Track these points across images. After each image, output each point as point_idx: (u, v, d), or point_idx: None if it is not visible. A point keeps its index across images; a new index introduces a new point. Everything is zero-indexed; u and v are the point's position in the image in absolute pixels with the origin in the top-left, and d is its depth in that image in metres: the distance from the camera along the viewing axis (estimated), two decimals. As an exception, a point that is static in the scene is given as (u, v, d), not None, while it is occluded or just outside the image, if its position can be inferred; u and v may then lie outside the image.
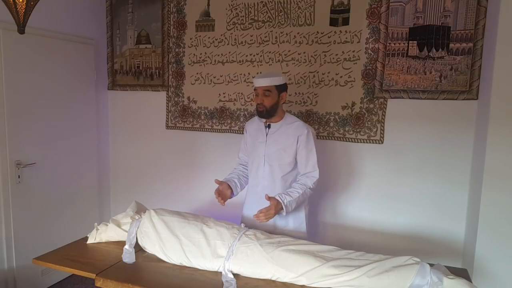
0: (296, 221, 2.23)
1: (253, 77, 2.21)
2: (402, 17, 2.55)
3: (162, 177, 3.49)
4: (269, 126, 2.22)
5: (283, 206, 1.98)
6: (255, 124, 2.32)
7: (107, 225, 2.09)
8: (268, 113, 2.16)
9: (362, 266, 1.60)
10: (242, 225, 2.04)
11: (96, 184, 3.60)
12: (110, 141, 3.75)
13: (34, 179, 2.94)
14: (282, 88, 2.17)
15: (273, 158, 2.20)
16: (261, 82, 2.13)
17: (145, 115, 3.53)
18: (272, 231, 2.06)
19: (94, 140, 3.54)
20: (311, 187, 2.12)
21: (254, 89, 2.18)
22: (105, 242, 2.08)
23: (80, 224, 3.25)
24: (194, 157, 3.35)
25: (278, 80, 2.14)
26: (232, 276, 1.71)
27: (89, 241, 2.08)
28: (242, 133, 3.08)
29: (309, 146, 2.15)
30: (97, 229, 2.10)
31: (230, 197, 2.25)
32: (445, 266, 1.65)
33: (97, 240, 2.08)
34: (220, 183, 2.21)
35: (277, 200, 1.99)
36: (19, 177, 2.82)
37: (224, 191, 2.21)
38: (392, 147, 2.67)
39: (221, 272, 1.75)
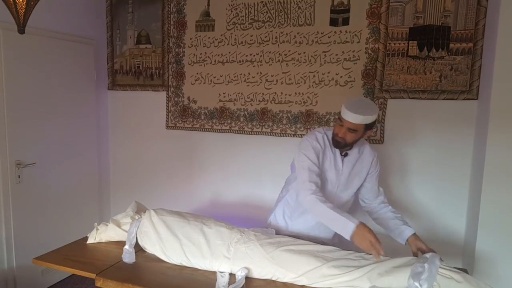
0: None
1: (345, 106, 1.85)
2: (402, 17, 2.55)
3: (162, 177, 3.49)
4: (345, 155, 2.01)
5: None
6: (326, 147, 2.00)
7: (107, 225, 2.09)
8: (346, 146, 1.96)
9: (363, 267, 1.60)
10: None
11: (96, 184, 3.60)
12: (110, 141, 3.75)
13: (34, 179, 2.94)
14: (370, 126, 1.90)
15: (347, 187, 2.05)
16: (352, 118, 1.82)
17: (145, 115, 3.53)
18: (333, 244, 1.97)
19: (94, 140, 3.54)
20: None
21: (339, 118, 1.89)
22: (105, 242, 2.08)
23: (80, 224, 3.25)
24: (194, 157, 3.35)
25: (370, 119, 1.85)
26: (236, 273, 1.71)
27: (89, 241, 2.08)
28: (242, 133, 3.11)
29: (378, 166, 2.10)
30: (97, 229, 2.10)
31: None
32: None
33: (97, 240, 2.08)
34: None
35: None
36: (19, 177, 2.82)
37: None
38: (392, 147, 2.67)
39: (221, 272, 1.75)
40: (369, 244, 1.67)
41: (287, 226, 2.15)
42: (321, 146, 1.98)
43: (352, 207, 2.21)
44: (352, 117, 1.82)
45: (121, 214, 2.13)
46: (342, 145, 1.94)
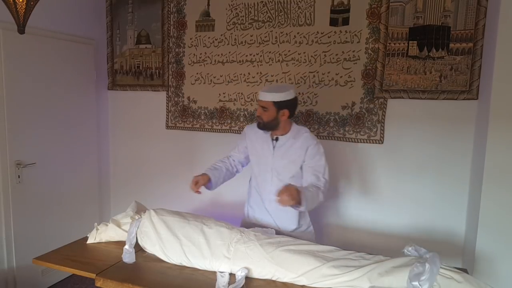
0: (304, 223, 2.22)
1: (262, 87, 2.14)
2: (402, 17, 2.55)
3: (162, 177, 3.49)
4: (276, 139, 2.12)
5: (302, 195, 1.82)
6: (260, 133, 2.17)
7: (107, 225, 2.09)
8: (266, 127, 2.10)
9: (363, 267, 1.60)
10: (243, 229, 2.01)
11: (96, 184, 3.60)
12: (110, 141, 3.75)
13: (34, 179, 2.94)
14: (282, 105, 2.03)
15: (281, 172, 2.11)
16: (261, 96, 2.07)
17: (145, 115, 3.53)
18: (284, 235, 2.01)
19: (94, 140, 3.54)
20: (322, 189, 1.97)
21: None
22: (105, 242, 2.08)
23: (80, 224, 3.25)
24: (194, 157, 3.35)
25: (277, 97, 2.02)
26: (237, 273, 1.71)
27: (89, 241, 2.08)
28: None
29: (317, 157, 2.06)
30: (97, 229, 2.10)
31: (209, 188, 2.24)
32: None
33: (97, 240, 2.08)
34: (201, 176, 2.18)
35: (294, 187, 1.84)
36: (19, 177, 2.82)
37: (203, 181, 2.17)
38: (392, 147, 2.67)
39: (221, 272, 1.75)
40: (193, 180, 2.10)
41: (248, 211, 2.33)
42: (249, 135, 2.26)
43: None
44: (260, 95, 2.09)
45: (121, 214, 2.13)
46: (262, 125, 2.10)
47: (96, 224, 2.14)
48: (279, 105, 2.03)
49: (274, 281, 1.71)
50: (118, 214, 2.14)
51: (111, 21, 3.55)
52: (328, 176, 2.06)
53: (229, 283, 1.65)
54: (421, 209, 2.63)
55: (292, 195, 1.78)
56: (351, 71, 2.72)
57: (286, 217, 2.15)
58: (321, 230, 2.91)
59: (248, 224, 2.22)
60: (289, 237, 1.93)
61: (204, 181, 2.17)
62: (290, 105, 2.06)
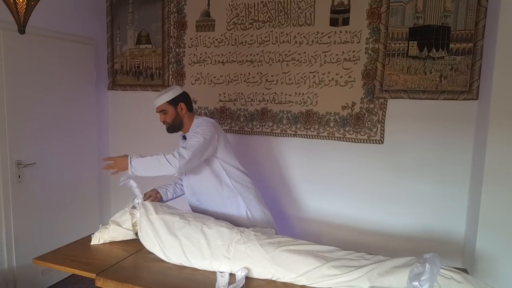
0: (234, 208, 2.26)
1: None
2: (402, 17, 2.55)
3: (163, 177, 3.48)
4: (184, 138, 2.28)
5: (129, 159, 2.04)
6: (180, 138, 2.36)
7: (107, 227, 2.09)
8: (175, 128, 2.26)
9: (363, 267, 1.60)
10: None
11: (96, 184, 3.60)
12: (110, 141, 3.75)
13: (34, 179, 2.94)
14: (176, 101, 2.21)
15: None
16: (156, 105, 2.23)
17: (145, 115, 3.52)
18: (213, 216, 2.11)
19: (94, 140, 3.54)
20: (166, 155, 2.05)
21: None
22: (107, 243, 2.08)
23: (80, 224, 3.26)
24: (194, 157, 3.35)
25: (167, 96, 2.20)
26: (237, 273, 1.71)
27: (92, 242, 2.08)
28: (242, 133, 3.13)
29: (191, 134, 2.17)
30: (101, 231, 2.09)
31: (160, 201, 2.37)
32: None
33: (101, 242, 2.08)
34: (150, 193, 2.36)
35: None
36: (19, 177, 2.82)
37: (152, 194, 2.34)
38: (392, 147, 2.67)
39: (221, 272, 1.75)
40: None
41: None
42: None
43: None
44: (155, 104, 2.24)
45: (118, 213, 2.13)
46: (170, 128, 2.27)
47: (101, 225, 2.13)
48: (174, 102, 2.21)
49: (274, 281, 1.71)
50: (116, 214, 2.14)
51: (111, 21, 3.55)
52: (191, 148, 2.04)
53: (229, 283, 1.65)
54: (421, 209, 2.63)
55: (116, 163, 2.06)
56: (351, 71, 2.72)
57: (209, 199, 2.27)
58: (321, 230, 2.92)
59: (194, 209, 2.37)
60: (289, 237, 1.93)
61: (154, 198, 2.33)
62: (183, 98, 2.25)
